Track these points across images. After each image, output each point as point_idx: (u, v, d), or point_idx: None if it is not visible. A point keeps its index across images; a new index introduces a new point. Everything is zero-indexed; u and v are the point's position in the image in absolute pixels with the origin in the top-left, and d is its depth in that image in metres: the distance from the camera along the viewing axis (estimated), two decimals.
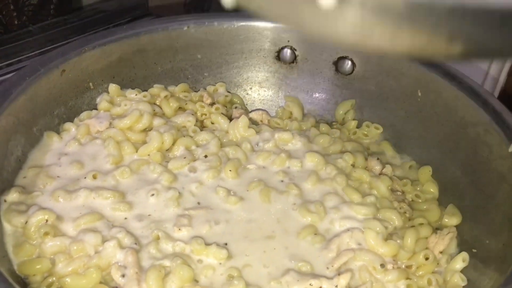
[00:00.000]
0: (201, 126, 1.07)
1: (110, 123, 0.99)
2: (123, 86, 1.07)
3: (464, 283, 0.83)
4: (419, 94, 1.03)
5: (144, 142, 0.98)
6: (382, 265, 0.82)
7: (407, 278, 0.83)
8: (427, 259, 0.85)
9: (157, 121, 1.00)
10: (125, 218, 0.86)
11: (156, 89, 1.09)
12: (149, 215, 0.86)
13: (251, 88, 1.20)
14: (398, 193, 0.97)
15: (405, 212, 0.93)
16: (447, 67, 1.01)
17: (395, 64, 1.05)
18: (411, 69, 1.03)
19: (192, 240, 0.82)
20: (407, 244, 0.86)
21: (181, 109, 1.08)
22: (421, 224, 0.91)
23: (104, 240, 0.80)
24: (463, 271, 0.85)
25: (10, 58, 1.21)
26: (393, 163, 1.05)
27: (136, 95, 1.05)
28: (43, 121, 0.97)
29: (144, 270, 0.77)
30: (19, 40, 1.25)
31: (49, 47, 1.23)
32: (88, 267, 0.77)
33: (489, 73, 1.16)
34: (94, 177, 0.90)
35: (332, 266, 0.83)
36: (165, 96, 1.07)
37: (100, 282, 0.77)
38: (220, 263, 0.81)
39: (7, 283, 0.61)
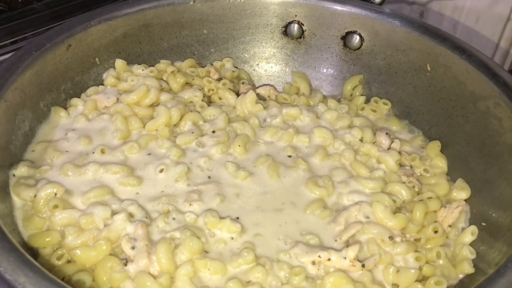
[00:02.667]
0: (208, 101, 1.06)
1: (117, 99, 0.99)
2: (129, 61, 1.07)
3: (473, 256, 0.83)
4: (428, 68, 1.02)
5: (152, 117, 0.97)
6: (391, 238, 0.82)
7: (416, 251, 0.83)
8: (436, 232, 0.85)
9: (164, 96, 1.00)
10: (137, 193, 0.86)
11: (162, 64, 1.08)
12: (162, 191, 0.86)
13: (257, 64, 1.19)
14: (407, 167, 0.97)
15: (414, 186, 0.92)
16: (457, 40, 0.99)
17: (404, 38, 1.04)
18: (420, 43, 1.02)
19: (206, 212, 0.82)
20: (416, 218, 0.86)
21: (188, 84, 1.07)
22: (430, 198, 0.91)
23: (114, 214, 0.80)
24: (472, 244, 0.85)
25: (15, 36, 1.20)
26: (402, 138, 1.04)
27: (142, 70, 1.05)
28: (50, 96, 0.96)
29: (154, 243, 0.77)
30: (23, 18, 1.24)
31: (53, 25, 1.22)
32: (97, 240, 0.77)
33: (499, 46, 1.14)
34: (102, 151, 0.90)
35: (340, 238, 0.83)
36: (172, 72, 1.06)
37: (110, 254, 0.77)
38: (232, 238, 0.81)
39: (18, 252, 0.61)
